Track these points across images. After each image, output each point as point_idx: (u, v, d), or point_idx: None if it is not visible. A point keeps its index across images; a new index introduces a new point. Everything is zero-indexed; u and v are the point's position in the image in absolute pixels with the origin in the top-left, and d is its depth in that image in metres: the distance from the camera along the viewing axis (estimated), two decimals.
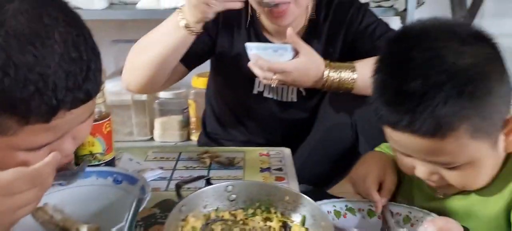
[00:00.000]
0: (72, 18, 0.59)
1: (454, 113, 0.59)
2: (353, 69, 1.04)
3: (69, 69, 0.55)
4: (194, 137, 2.02)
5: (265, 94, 1.21)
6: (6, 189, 0.56)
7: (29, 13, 0.54)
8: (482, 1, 2.04)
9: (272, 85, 1.05)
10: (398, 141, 0.66)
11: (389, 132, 0.67)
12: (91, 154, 0.86)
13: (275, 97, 1.21)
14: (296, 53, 1.01)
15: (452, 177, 0.67)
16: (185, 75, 1.22)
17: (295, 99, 1.21)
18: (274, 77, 1.00)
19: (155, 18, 2.00)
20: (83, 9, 1.80)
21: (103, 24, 2.22)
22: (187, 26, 1.01)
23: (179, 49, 1.06)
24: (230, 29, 1.18)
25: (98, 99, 0.86)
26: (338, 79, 1.03)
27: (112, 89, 1.78)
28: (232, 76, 1.21)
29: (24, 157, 0.59)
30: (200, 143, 1.38)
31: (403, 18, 1.80)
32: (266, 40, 1.18)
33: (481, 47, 0.63)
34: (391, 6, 1.78)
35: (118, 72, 2.08)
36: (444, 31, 0.64)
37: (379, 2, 1.80)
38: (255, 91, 1.21)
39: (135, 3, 1.94)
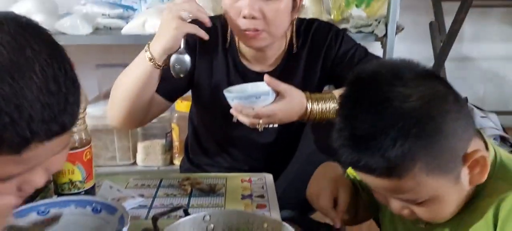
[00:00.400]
0: (55, 50, 0.59)
1: (403, 154, 0.61)
2: (334, 99, 1.06)
3: (46, 101, 0.54)
4: (177, 161, 2.01)
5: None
6: None
7: (11, 45, 0.54)
8: (460, 25, 2.10)
9: (260, 129, 1.06)
10: (365, 180, 0.69)
11: (355, 172, 0.69)
12: (71, 182, 0.85)
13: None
14: (277, 93, 1.02)
15: (420, 211, 0.69)
16: (168, 108, 1.24)
17: (276, 125, 1.22)
18: (261, 121, 1.02)
19: (140, 43, 2.03)
20: (69, 34, 1.80)
21: (88, 48, 2.23)
22: (151, 59, 1.04)
23: (148, 84, 1.08)
24: (207, 59, 1.19)
25: (79, 125, 0.87)
26: (320, 110, 1.05)
27: (95, 113, 1.78)
28: (211, 106, 1.22)
29: None
30: (182, 169, 1.38)
31: (383, 44, 1.84)
32: (243, 68, 1.19)
33: (429, 87, 0.64)
34: (372, 32, 1.82)
35: (102, 97, 2.09)
36: (391, 74, 0.65)
37: (359, 28, 1.85)
38: (235, 120, 1.21)
39: (120, 28, 1.95)
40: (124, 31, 1.90)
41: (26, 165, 0.57)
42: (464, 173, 0.66)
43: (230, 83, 1.17)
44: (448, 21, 2.24)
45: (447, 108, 0.64)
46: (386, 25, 1.80)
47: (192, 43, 1.16)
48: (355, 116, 0.64)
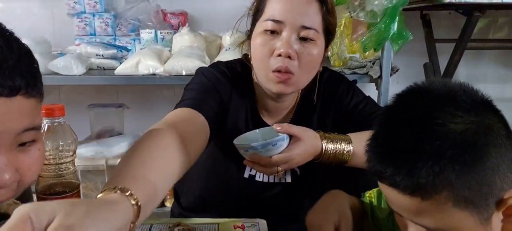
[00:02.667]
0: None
1: (433, 175, 0.57)
2: (348, 141, 1.04)
3: None
4: (169, 203, 1.96)
5: (257, 178, 1.17)
6: None
7: None
8: (456, 67, 2.11)
9: (279, 177, 1.03)
10: (387, 196, 0.66)
11: (379, 185, 0.66)
12: None
13: (268, 180, 1.17)
14: (290, 136, 1.00)
15: None
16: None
17: (289, 180, 1.18)
18: (279, 168, 0.99)
19: (132, 83, 2.03)
20: (62, 75, 1.79)
21: (80, 89, 2.22)
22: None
23: None
24: (235, 107, 1.14)
25: (68, 169, 0.84)
26: (334, 150, 1.03)
27: (86, 154, 1.76)
28: (225, 147, 1.15)
29: None
30: (174, 214, 1.33)
31: (378, 85, 1.84)
32: (260, 120, 1.15)
33: (480, 115, 0.60)
34: (366, 73, 1.82)
35: (93, 137, 2.06)
36: (445, 93, 0.62)
37: (354, 69, 1.85)
38: (246, 175, 1.17)
39: (114, 69, 1.95)
40: (118, 71, 1.89)
41: None
42: (497, 218, 0.61)
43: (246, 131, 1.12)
44: (442, 62, 2.26)
45: (495, 142, 0.59)
46: (380, 67, 1.80)
47: (224, 75, 1.12)
48: (394, 126, 0.62)
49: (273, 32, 1.03)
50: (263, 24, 1.04)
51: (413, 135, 0.59)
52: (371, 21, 1.69)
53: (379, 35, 1.69)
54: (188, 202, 1.29)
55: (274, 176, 1.16)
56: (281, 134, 0.99)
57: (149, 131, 0.78)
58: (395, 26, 1.67)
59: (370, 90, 1.74)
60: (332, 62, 1.98)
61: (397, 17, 1.67)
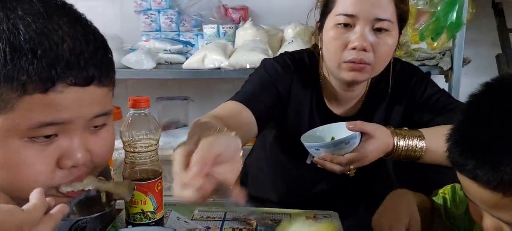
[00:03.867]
0: (79, 16, 0.64)
1: None
2: (420, 137, 1.01)
3: (74, 46, 0.58)
4: None
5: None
6: None
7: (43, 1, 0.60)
8: None
9: (351, 175, 1.02)
10: (465, 187, 0.64)
11: (458, 175, 0.64)
12: (143, 212, 0.86)
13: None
14: (362, 134, 0.99)
15: None
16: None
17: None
18: (352, 167, 0.99)
19: (198, 77, 2.08)
20: (134, 69, 1.88)
21: (148, 83, 2.31)
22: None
23: None
24: (298, 88, 1.15)
25: (152, 157, 0.88)
26: (406, 147, 1.01)
27: None
28: (288, 143, 1.18)
29: (26, 154, 0.59)
30: None
31: (448, 78, 1.77)
32: (327, 110, 1.15)
33: None
34: (436, 65, 1.76)
35: (161, 128, 2.14)
36: None
37: (422, 60, 1.79)
38: (308, 161, 1.18)
39: (180, 63, 2.01)
40: (185, 65, 1.96)
41: (53, 112, 0.59)
42: None
43: (312, 125, 1.14)
44: None
45: None
46: (451, 58, 1.73)
47: (286, 66, 1.14)
48: (479, 117, 0.60)
49: (346, 25, 1.02)
50: (335, 18, 1.03)
51: (500, 129, 0.57)
52: (430, 9, 1.63)
53: (437, 24, 1.63)
54: (253, 191, 1.31)
55: None
56: (352, 133, 0.98)
57: (195, 121, 0.83)
58: (454, 14, 1.60)
59: (439, 83, 1.68)
60: (397, 53, 1.93)
61: (457, 5, 1.60)
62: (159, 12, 2.33)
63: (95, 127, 0.68)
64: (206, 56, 1.91)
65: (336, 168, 0.99)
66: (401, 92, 1.15)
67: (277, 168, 1.26)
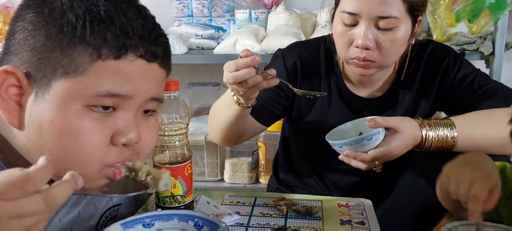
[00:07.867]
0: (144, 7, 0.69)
1: None
2: (451, 126, 0.97)
3: (144, 24, 0.63)
4: (263, 180, 2.00)
5: None
6: None
7: None
8: None
9: (378, 170, 0.99)
10: None
11: None
12: (173, 196, 0.86)
13: None
14: (387, 129, 0.96)
15: None
16: (263, 130, 1.23)
17: None
18: (377, 162, 0.97)
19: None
20: None
21: (180, 68, 2.32)
22: (238, 103, 1.01)
23: (239, 120, 1.07)
24: (308, 85, 1.14)
25: (182, 140, 0.88)
26: (436, 137, 0.97)
27: None
28: (309, 132, 1.18)
29: (85, 121, 0.61)
30: (271, 188, 1.35)
31: (489, 63, 1.69)
32: (348, 93, 1.14)
33: None
34: (477, 50, 1.68)
35: (192, 114, 2.16)
36: None
37: (462, 45, 1.71)
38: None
39: (212, 48, 2.01)
40: (216, 50, 1.95)
41: (120, 83, 0.62)
42: None
43: (332, 110, 1.13)
44: None
45: None
46: (493, 42, 1.65)
47: (292, 69, 1.14)
48: None
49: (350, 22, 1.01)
50: (340, 15, 1.02)
51: None
52: None
53: (475, 5, 1.54)
54: (284, 176, 1.30)
55: None
56: (375, 129, 0.95)
57: None
58: None
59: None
60: (435, 37, 1.86)
61: None
62: None
63: (146, 112, 0.69)
64: (238, 41, 1.89)
65: (361, 165, 0.97)
66: (432, 75, 1.11)
67: (308, 156, 1.25)
